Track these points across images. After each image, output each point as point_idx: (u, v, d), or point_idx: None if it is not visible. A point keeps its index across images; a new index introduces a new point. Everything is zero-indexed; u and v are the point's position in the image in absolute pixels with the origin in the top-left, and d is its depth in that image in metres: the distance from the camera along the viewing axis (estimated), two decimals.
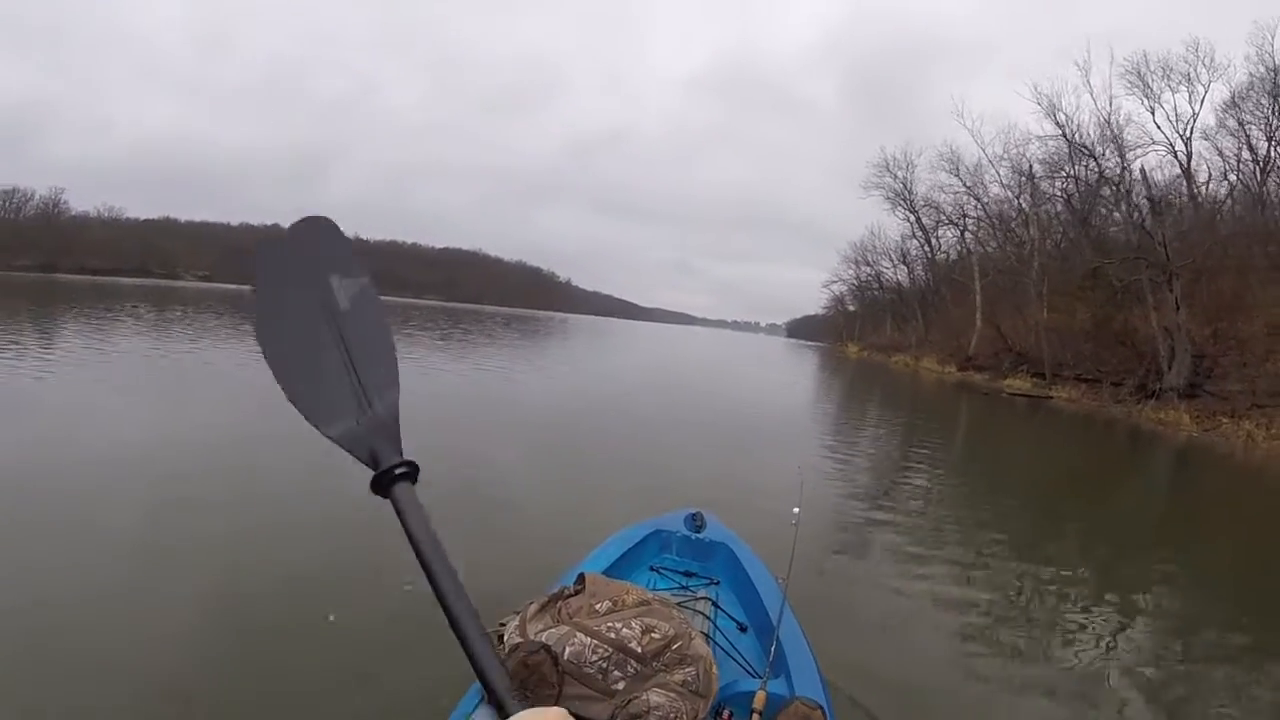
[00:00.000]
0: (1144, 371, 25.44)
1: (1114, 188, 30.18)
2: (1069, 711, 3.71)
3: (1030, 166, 37.53)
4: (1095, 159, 31.02)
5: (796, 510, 3.11)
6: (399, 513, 0.85)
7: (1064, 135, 32.09)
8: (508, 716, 0.73)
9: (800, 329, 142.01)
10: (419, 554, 0.84)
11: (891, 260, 61.04)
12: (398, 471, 0.86)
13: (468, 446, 8.43)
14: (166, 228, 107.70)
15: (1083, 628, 4.90)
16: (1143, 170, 28.50)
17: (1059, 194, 36.34)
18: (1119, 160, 29.65)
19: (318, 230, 0.99)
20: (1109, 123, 29.45)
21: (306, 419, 0.88)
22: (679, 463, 8.48)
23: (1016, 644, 4.47)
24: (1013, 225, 41.70)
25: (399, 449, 0.88)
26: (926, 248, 54.28)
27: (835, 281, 77.22)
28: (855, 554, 6.03)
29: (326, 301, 0.94)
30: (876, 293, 68.06)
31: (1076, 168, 33.44)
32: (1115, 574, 6.18)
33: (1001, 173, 40.43)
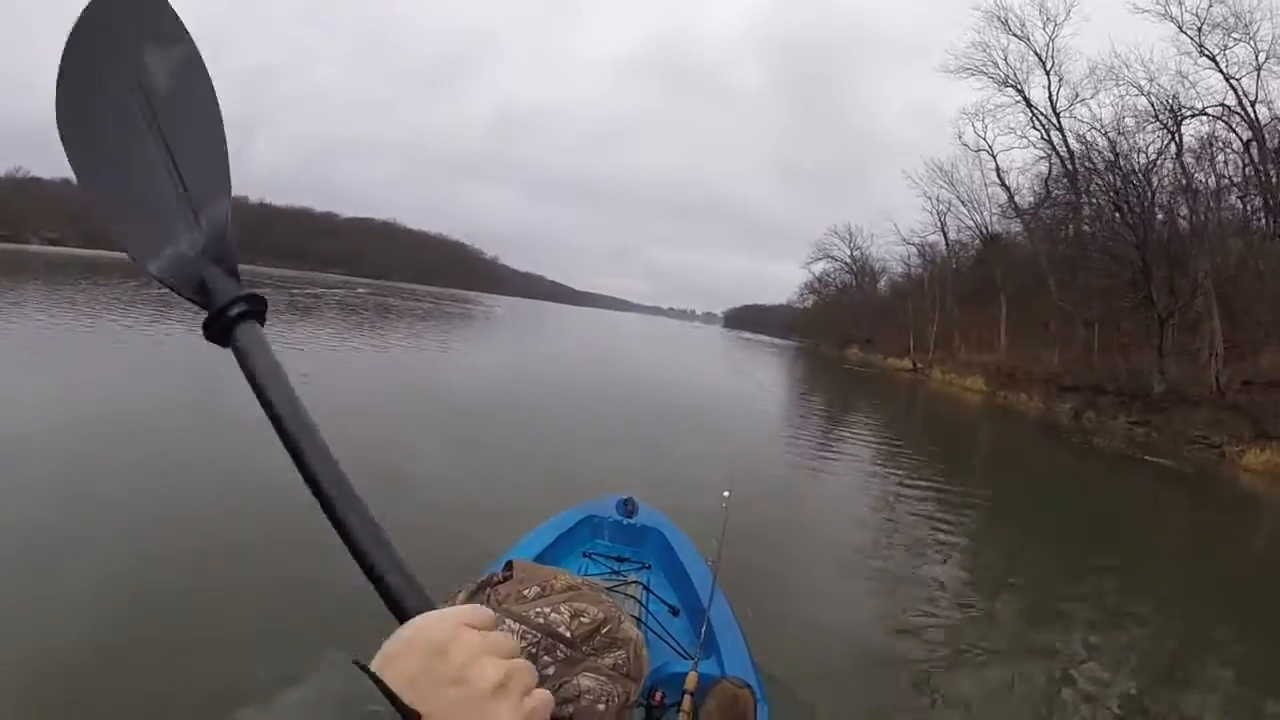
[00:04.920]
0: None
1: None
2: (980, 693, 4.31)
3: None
4: None
5: (727, 494, 3.38)
6: (243, 363, 0.70)
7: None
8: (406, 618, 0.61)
9: (740, 319, 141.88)
10: (271, 414, 0.68)
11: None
12: (237, 310, 0.71)
13: (392, 434, 9.03)
14: (24, 185, 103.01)
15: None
16: None
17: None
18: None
19: None
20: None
21: (125, 251, 0.74)
22: None
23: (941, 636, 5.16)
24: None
25: (237, 278, 0.73)
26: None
27: (821, 258, 69.71)
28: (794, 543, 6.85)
29: (141, 81, 0.77)
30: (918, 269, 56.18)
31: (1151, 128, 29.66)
32: None
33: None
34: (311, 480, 0.66)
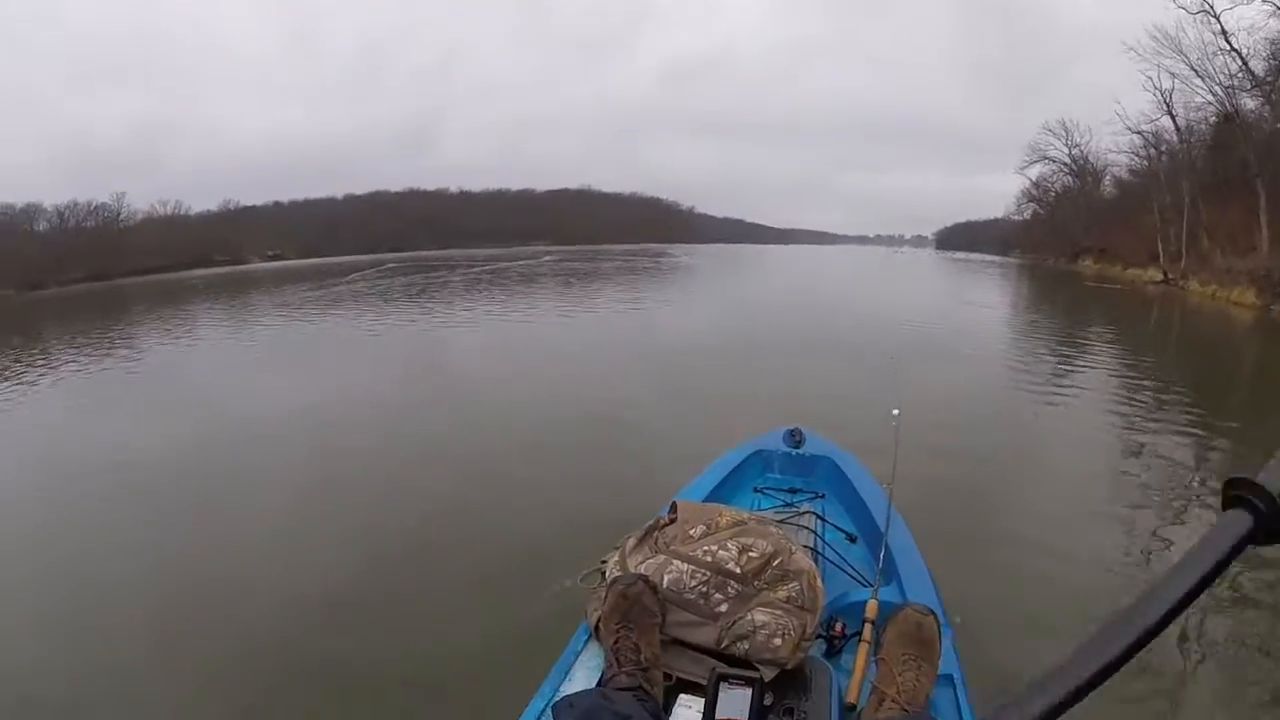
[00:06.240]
0: None
1: None
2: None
3: None
4: None
5: (896, 412, 3.27)
6: None
7: None
8: None
9: (953, 239, 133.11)
10: None
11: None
12: None
13: (585, 386, 10.01)
14: (237, 215, 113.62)
15: None
16: None
17: None
18: None
19: None
20: None
21: None
22: None
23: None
24: None
25: None
26: None
27: (1037, 160, 60.37)
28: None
29: None
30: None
31: None
32: None
33: None
34: None
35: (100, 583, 4.64)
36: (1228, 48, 35.35)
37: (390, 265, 49.39)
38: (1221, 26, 34.95)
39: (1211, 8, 34.93)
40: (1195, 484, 6.44)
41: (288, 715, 3.27)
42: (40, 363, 15.04)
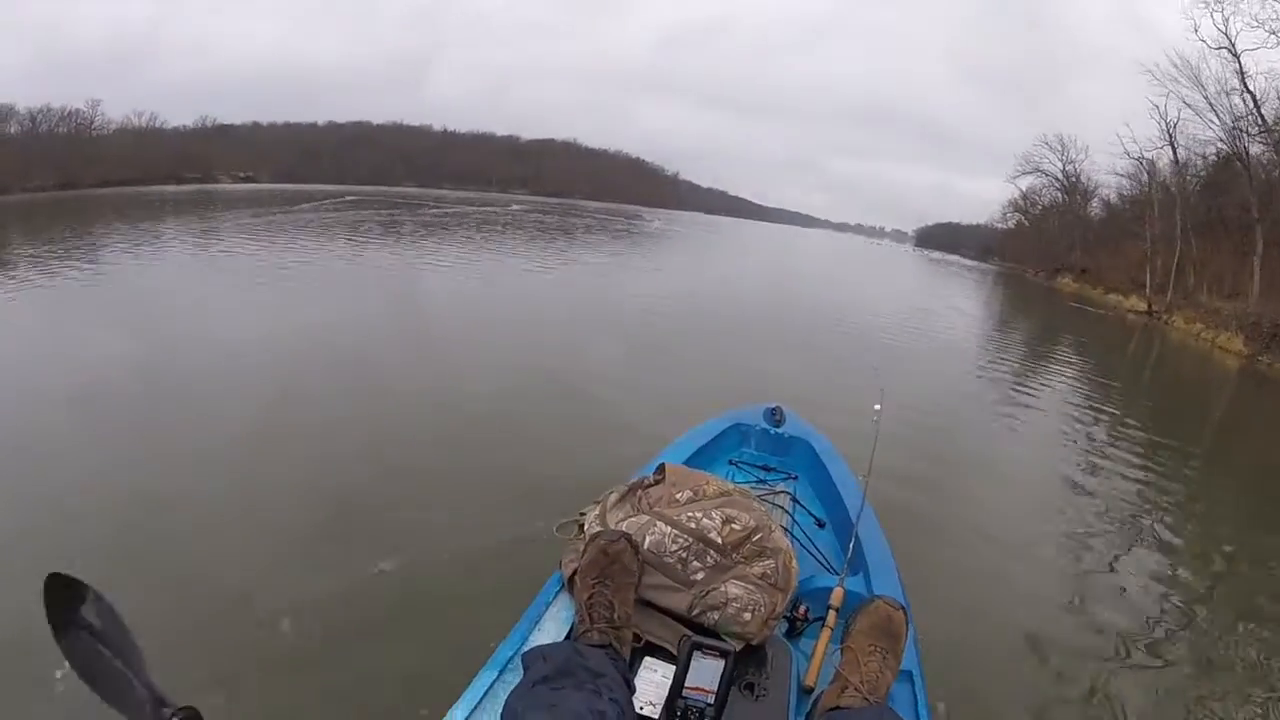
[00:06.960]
0: None
1: None
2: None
3: None
4: None
5: (877, 408, 3.37)
6: None
7: None
8: None
9: (932, 238, 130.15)
10: None
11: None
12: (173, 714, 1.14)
13: (552, 343, 9.89)
14: (212, 133, 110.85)
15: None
16: None
17: None
18: None
19: (58, 584, 1.30)
20: None
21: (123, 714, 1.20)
22: None
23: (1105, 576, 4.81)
24: None
25: (166, 703, 1.15)
26: None
27: (1030, 171, 59.60)
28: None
29: (89, 627, 1.27)
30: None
31: None
32: None
33: None
34: None
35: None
36: (1242, 88, 35.16)
37: (349, 198, 47.42)
38: (1240, 66, 34.65)
39: (1232, 46, 34.68)
40: (1149, 511, 6.61)
41: (238, 663, 3.07)
42: None
